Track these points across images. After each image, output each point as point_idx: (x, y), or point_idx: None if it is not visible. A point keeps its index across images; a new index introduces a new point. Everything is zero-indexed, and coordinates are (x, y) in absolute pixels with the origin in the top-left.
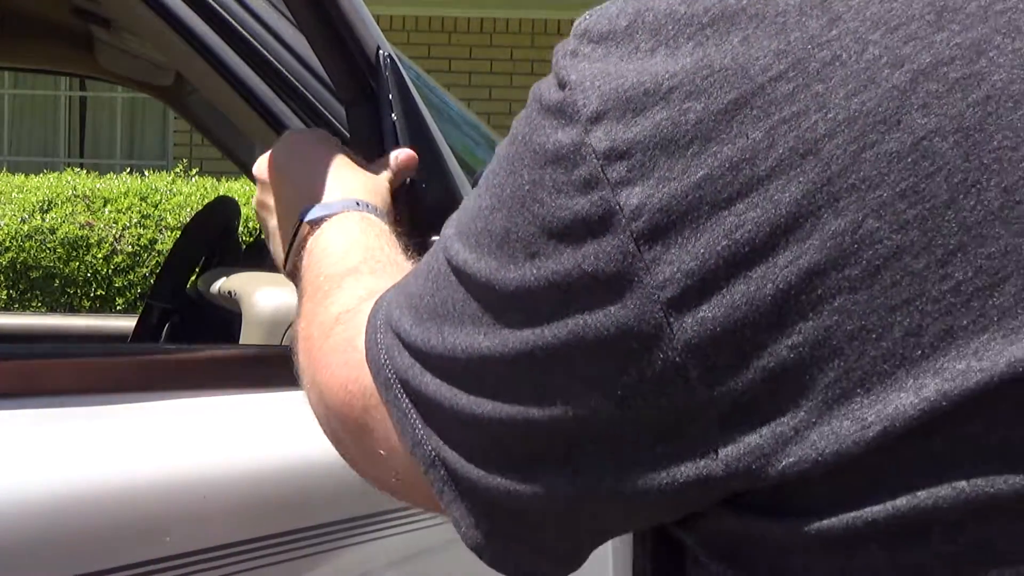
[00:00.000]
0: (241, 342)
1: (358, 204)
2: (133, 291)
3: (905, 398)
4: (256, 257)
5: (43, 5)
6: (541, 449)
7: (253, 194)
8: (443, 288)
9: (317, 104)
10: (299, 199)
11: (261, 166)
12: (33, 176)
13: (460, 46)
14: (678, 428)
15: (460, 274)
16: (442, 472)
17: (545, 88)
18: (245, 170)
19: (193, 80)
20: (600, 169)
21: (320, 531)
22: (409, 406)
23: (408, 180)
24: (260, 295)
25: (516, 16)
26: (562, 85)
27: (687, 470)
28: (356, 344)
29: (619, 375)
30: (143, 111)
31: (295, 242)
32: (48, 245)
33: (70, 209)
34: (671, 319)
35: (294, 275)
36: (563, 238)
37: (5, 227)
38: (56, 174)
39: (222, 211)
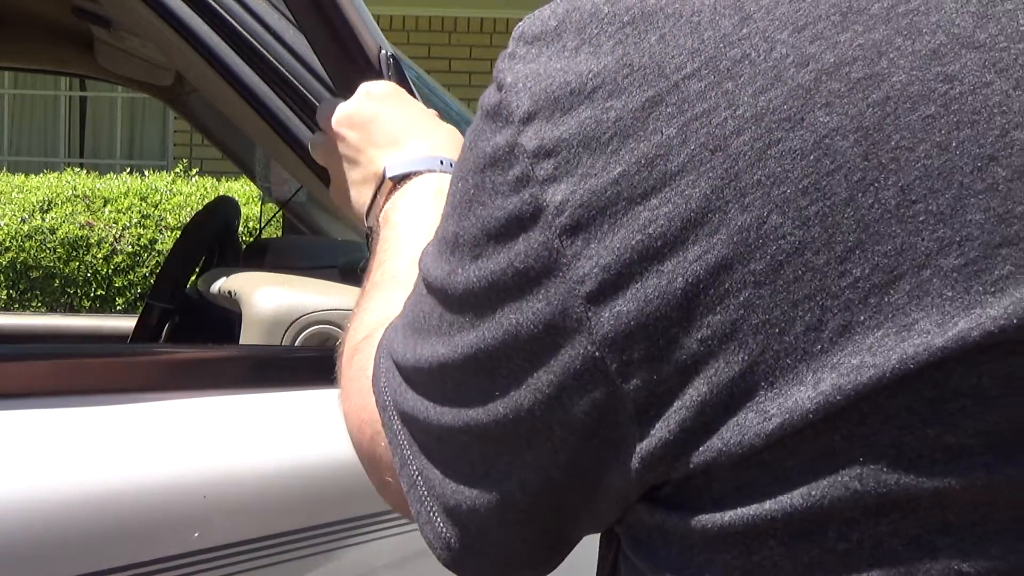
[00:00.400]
0: (241, 342)
1: (441, 163)
2: (133, 291)
3: (803, 392)
4: (256, 257)
5: (43, 5)
6: (493, 455)
7: (253, 194)
8: (419, 302)
9: (318, 104)
10: (383, 151)
11: (348, 114)
12: (33, 176)
13: (460, 46)
14: (602, 424)
15: (427, 285)
16: (422, 491)
17: (487, 93)
18: (245, 170)
19: (193, 80)
20: (530, 167)
21: (321, 531)
22: (399, 427)
23: None
24: (260, 295)
25: (516, 16)
26: (499, 87)
27: (612, 465)
28: (368, 373)
29: (549, 373)
30: (143, 111)
31: (375, 200)
32: (48, 245)
33: (70, 209)
34: (590, 313)
35: (371, 237)
36: (499, 238)
37: (5, 227)
38: (56, 174)
39: (222, 211)
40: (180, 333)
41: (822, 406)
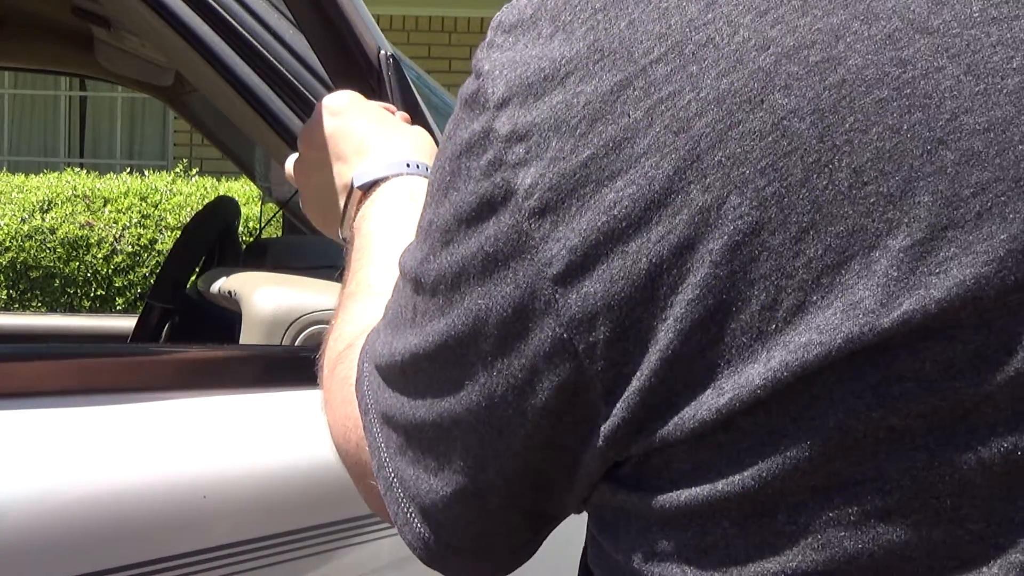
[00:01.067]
0: (241, 342)
1: (407, 165)
2: (133, 291)
3: (754, 369)
4: (256, 257)
5: (43, 5)
6: (468, 445)
7: (253, 194)
8: (396, 297)
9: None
10: (349, 164)
11: (308, 129)
12: (33, 176)
13: (460, 46)
14: (574, 405)
15: (403, 276)
16: (398, 493)
17: (466, 83)
18: (245, 170)
19: (193, 80)
20: (502, 152)
21: (321, 531)
22: (378, 429)
23: None
24: (260, 295)
25: None
26: (477, 76)
27: (585, 443)
28: (351, 381)
29: (520, 357)
30: (143, 111)
31: (346, 211)
32: (48, 245)
33: (70, 209)
34: (557, 295)
35: (346, 248)
36: (470, 222)
37: (5, 227)
38: (56, 174)
39: (222, 211)
40: (180, 333)
41: (770, 382)
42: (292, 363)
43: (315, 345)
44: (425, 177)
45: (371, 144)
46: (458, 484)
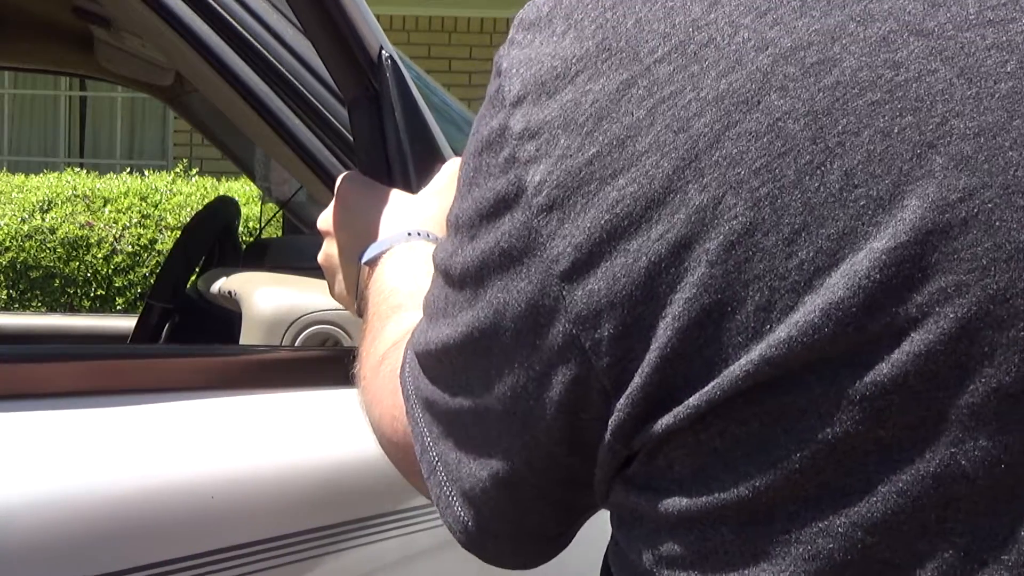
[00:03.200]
0: (241, 342)
1: (409, 235)
2: (133, 291)
3: (741, 363)
4: (256, 257)
5: (43, 5)
6: (499, 436)
7: (253, 194)
8: (431, 289)
9: (318, 104)
10: (358, 245)
11: (324, 221)
12: (33, 176)
13: (460, 46)
14: (586, 400)
15: (436, 268)
16: (441, 476)
17: (491, 80)
18: (245, 170)
19: (193, 80)
20: (516, 149)
21: (322, 532)
22: (420, 415)
23: None
24: (260, 295)
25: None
26: (497, 73)
27: (599, 439)
28: (398, 370)
29: (536, 351)
30: (143, 111)
31: (359, 287)
32: (48, 245)
33: (70, 209)
34: (564, 292)
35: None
36: (489, 218)
37: (5, 227)
38: (56, 174)
39: (222, 211)
40: (180, 333)
41: (750, 374)
42: (292, 363)
43: (315, 345)
44: (430, 243)
45: (374, 229)
46: (493, 470)
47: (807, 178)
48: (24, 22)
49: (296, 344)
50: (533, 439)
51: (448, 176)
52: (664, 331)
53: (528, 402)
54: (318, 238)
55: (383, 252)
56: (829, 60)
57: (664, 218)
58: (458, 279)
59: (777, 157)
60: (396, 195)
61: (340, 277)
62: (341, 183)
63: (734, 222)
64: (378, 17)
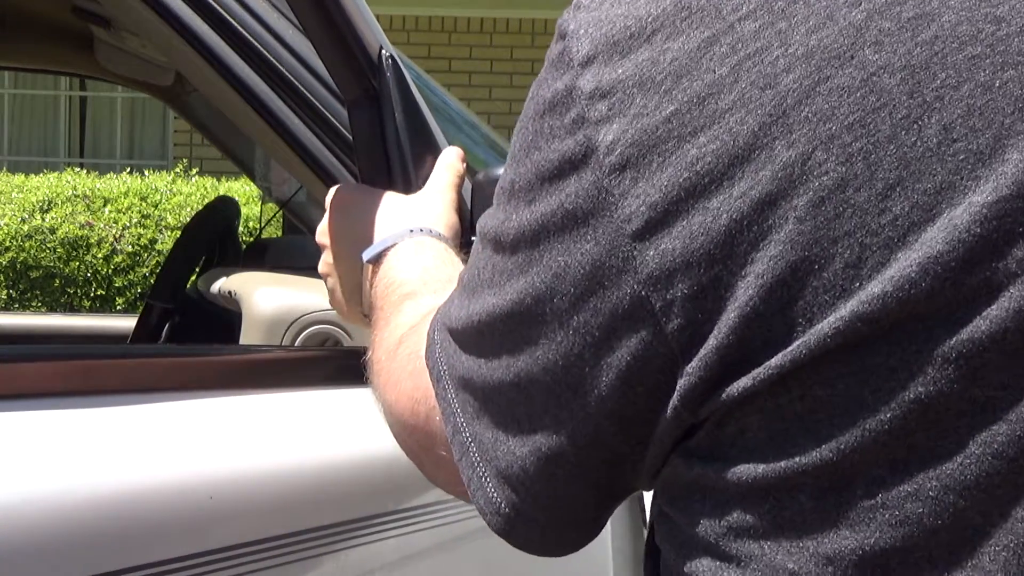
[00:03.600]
0: (241, 342)
1: (411, 231)
2: (133, 291)
3: (830, 321)
4: (256, 257)
5: (43, 5)
6: (543, 407)
7: (253, 194)
8: (473, 263)
9: (318, 104)
10: (358, 249)
11: (321, 233)
12: (33, 176)
13: (460, 46)
14: (648, 365)
15: (482, 238)
16: (474, 457)
17: (551, 46)
18: (245, 170)
19: (193, 80)
20: (585, 109)
21: (321, 533)
22: (453, 395)
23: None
24: (260, 295)
25: (516, 16)
26: (561, 37)
27: (658, 408)
28: (420, 354)
29: (597, 316)
30: (143, 111)
31: (363, 285)
32: (48, 245)
33: (70, 209)
34: (635, 252)
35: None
36: (552, 180)
37: (5, 227)
38: (56, 174)
39: (222, 211)
40: (180, 333)
41: (839, 332)
42: (292, 363)
43: (315, 345)
44: (434, 239)
45: (372, 231)
46: (535, 446)
47: (903, 132)
48: (24, 22)
49: (296, 344)
50: (583, 410)
51: (444, 171)
52: (744, 290)
53: (583, 369)
54: None
55: (387, 249)
56: (927, 15)
57: (748, 175)
58: (510, 245)
59: (871, 112)
60: (391, 197)
61: (344, 284)
62: (335, 193)
63: (824, 178)
64: (378, 17)
